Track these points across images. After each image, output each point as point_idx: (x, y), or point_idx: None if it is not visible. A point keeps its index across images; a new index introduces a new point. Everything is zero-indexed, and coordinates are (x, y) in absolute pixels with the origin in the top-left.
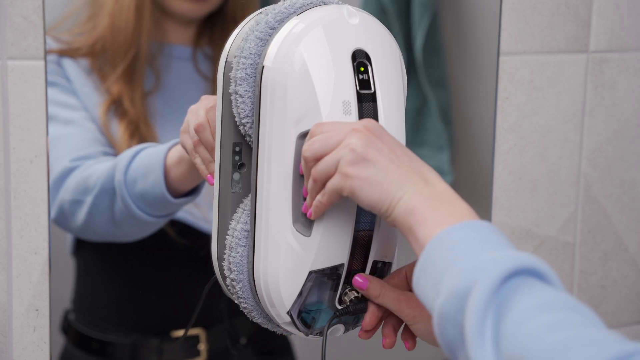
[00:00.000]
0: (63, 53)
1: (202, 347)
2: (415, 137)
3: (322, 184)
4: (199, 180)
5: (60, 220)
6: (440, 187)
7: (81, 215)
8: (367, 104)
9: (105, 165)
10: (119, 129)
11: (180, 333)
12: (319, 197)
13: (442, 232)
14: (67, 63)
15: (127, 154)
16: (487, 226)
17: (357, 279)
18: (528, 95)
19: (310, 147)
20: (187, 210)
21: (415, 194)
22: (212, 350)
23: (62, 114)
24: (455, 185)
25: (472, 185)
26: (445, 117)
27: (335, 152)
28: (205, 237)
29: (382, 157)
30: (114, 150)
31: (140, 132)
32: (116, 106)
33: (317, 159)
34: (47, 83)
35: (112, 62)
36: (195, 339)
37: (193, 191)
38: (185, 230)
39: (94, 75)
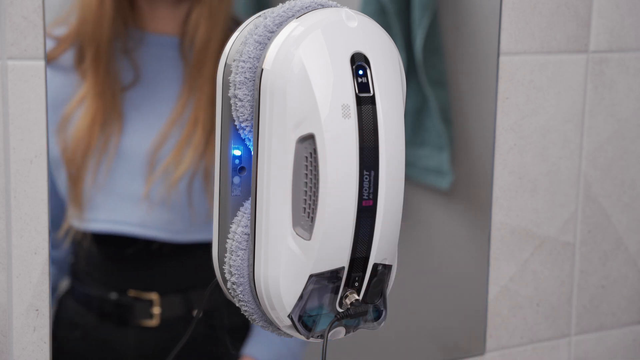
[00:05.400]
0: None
1: (156, 311)
2: (415, 137)
3: None
4: None
5: None
6: None
7: None
8: (366, 107)
9: None
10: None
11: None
12: None
13: None
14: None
15: None
16: None
17: None
18: (528, 95)
19: None
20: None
21: None
22: (165, 317)
23: None
24: (455, 185)
25: (472, 185)
26: (445, 117)
27: None
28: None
29: None
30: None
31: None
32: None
33: None
34: None
35: (86, 55)
36: (149, 303)
37: None
38: None
39: (74, 74)
